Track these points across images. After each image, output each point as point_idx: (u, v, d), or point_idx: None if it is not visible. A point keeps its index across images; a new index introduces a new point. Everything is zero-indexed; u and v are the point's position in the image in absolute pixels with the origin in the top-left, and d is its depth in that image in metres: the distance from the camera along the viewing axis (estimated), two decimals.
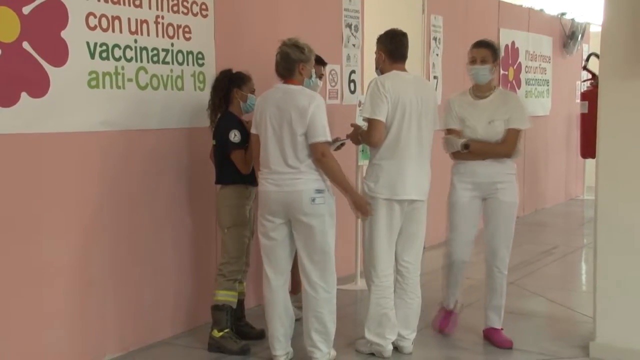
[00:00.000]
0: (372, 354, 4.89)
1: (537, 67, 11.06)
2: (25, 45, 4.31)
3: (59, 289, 4.65)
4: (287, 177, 4.50)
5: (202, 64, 5.48)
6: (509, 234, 5.10)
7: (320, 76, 5.64)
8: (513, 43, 10.26)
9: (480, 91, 5.04)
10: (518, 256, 8.14)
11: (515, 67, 10.37)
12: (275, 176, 4.54)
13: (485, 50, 5.03)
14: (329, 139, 4.53)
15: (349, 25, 7.03)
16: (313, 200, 4.49)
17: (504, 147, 4.98)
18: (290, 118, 4.46)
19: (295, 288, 5.86)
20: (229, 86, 5.10)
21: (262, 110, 4.62)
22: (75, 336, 4.76)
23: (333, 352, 4.75)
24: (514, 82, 10.36)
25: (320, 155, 4.46)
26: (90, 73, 4.70)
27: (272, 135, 4.53)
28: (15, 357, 4.38)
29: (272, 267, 4.70)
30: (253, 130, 4.70)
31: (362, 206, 4.65)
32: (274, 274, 4.69)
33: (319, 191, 4.51)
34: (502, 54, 9.92)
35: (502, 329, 5.19)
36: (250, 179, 5.10)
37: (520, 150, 5.08)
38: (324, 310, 4.61)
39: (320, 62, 5.67)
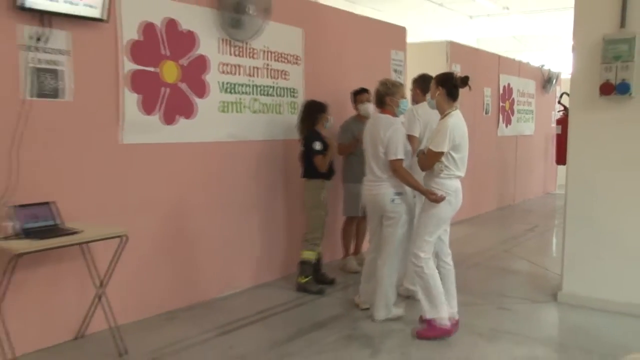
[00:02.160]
0: (409, 297, 4.88)
1: (525, 101, 10.89)
2: (182, 85, 4.51)
3: (208, 246, 4.85)
4: (376, 183, 4.31)
5: (295, 96, 5.52)
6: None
7: (366, 100, 5.44)
8: (509, 84, 10.14)
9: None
10: (510, 232, 8.07)
11: (510, 100, 10.27)
12: (370, 183, 4.37)
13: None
14: (400, 157, 4.20)
15: (395, 70, 6.98)
16: (392, 200, 4.26)
17: (418, 161, 4.17)
18: (376, 140, 4.28)
19: (356, 250, 5.94)
20: (318, 112, 5.09)
21: (365, 134, 4.45)
22: (215, 271, 4.91)
23: (395, 311, 4.43)
24: (509, 111, 10.24)
25: (393, 170, 4.24)
26: (221, 102, 4.83)
27: (368, 151, 4.37)
28: (149, 290, 4.45)
29: (371, 245, 4.59)
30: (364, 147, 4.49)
31: (435, 198, 4.06)
32: (371, 251, 4.58)
33: (397, 194, 4.26)
34: (501, 91, 9.85)
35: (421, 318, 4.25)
36: (326, 175, 5.08)
37: (436, 170, 4.02)
38: (385, 277, 4.34)
39: (362, 91, 5.55)
